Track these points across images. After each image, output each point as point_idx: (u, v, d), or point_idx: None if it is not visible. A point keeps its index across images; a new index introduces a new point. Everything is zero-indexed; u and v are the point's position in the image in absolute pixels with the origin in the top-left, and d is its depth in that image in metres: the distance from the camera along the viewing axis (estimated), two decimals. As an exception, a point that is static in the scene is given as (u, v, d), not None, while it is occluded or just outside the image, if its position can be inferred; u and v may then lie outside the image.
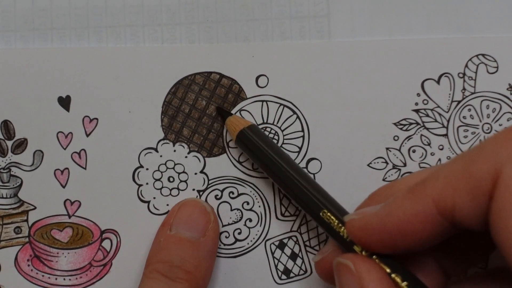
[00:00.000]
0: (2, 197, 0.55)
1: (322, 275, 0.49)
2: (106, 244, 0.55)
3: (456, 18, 0.55)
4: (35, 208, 0.55)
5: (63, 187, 0.55)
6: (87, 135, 0.55)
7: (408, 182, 0.43)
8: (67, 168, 0.55)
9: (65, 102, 0.55)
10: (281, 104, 0.55)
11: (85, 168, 0.55)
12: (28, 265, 0.55)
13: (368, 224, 0.42)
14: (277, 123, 0.55)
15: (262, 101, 0.55)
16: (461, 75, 0.54)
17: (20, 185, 0.55)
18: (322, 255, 0.48)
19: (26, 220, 0.55)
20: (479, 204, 0.37)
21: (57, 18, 0.55)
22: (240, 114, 0.55)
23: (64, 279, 0.55)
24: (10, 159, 0.55)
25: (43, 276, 0.55)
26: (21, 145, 0.55)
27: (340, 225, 0.46)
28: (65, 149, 0.55)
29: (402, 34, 0.55)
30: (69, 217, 0.55)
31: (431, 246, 0.41)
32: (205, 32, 0.55)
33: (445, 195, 0.38)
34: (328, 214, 0.47)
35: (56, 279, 0.55)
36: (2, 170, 0.55)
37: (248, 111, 0.55)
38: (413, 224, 0.39)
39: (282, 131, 0.55)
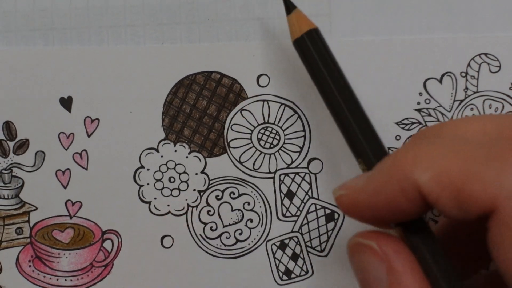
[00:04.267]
0: (4, 198, 0.55)
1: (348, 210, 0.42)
2: (107, 244, 0.55)
3: (458, 17, 0.54)
4: (36, 209, 0.55)
5: (65, 187, 0.55)
6: (89, 136, 0.55)
7: (454, 128, 0.40)
8: (68, 169, 0.55)
9: (66, 103, 0.55)
10: (282, 104, 0.54)
11: (86, 169, 0.55)
12: (30, 266, 0.55)
13: (357, 201, 0.39)
14: (278, 122, 0.54)
15: (263, 100, 0.54)
16: (463, 74, 0.54)
17: (22, 186, 0.55)
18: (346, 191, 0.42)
19: (28, 221, 0.55)
20: (465, 215, 0.35)
21: (58, 19, 0.55)
22: (241, 114, 0.55)
23: (66, 280, 0.55)
24: (12, 160, 0.55)
25: (44, 277, 0.55)
26: (22, 145, 0.55)
27: None
28: (66, 149, 0.55)
29: (403, 34, 0.54)
30: (71, 217, 0.55)
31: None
32: (206, 32, 0.55)
33: (432, 189, 0.36)
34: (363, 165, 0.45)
35: (57, 280, 0.55)
36: (3, 171, 0.55)
37: (249, 111, 0.55)
38: (400, 202, 0.37)
39: (283, 130, 0.54)
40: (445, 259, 0.39)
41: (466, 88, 0.54)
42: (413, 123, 0.54)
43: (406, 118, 0.54)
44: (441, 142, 0.38)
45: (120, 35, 0.55)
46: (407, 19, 0.54)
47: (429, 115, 0.54)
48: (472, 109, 0.54)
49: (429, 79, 0.54)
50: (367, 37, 0.54)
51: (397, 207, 0.38)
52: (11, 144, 0.55)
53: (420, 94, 0.54)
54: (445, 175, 0.35)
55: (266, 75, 0.54)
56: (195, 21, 0.55)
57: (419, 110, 0.54)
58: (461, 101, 0.54)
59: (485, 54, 0.54)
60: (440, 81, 0.54)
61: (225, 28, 0.55)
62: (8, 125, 0.55)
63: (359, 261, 0.40)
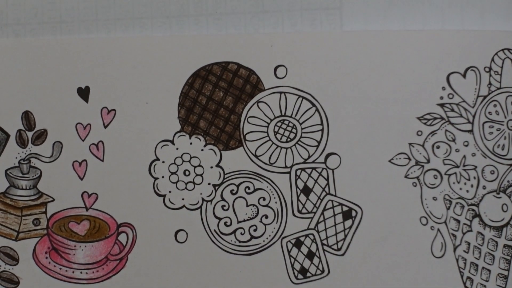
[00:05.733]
0: (22, 189, 0.55)
1: None
2: (122, 238, 0.54)
3: (471, 9, 0.53)
4: (53, 200, 0.55)
5: (81, 179, 0.55)
6: (105, 127, 0.54)
7: None
8: (85, 160, 0.55)
9: (84, 93, 0.54)
10: (299, 96, 0.53)
11: (102, 160, 0.54)
12: (46, 258, 0.55)
13: None
14: (296, 115, 0.53)
15: (281, 92, 0.53)
16: (487, 69, 0.52)
17: (39, 176, 0.55)
18: None
19: (45, 212, 0.55)
20: None
21: (65, 11, 0.55)
22: (258, 106, 0.54)
23: (81, 272, 0.55)
24: (30, 150, 0.55)
25: (60, 269, 0.55)
26: (41, 136, 0.55)
27: None
28: (83, 140, 0.55)
29: (417, 27, 0.53)
30: (87, 209, 0.55)
31: None
32: (214, 24, 0.54)
33: None
34: None
35: (73, 272, 0.55)
36: (22, 161, 0.55)
37: (266, 103, 0.54)
38: None
39: (301, 124, 0.53)
40: None
41: (490, 83, 0.52)
42: (435, 118, 0.53)
43: (428, 113, 0.53)
44: None
45: (128, 27, 0.55)
46: (420, 12, 0.53)
47: (452, 110, 0.52)
48: (495, 105, 0.52)
49: (452, 73, 0.53)
50: (380, 29, 0.54)
51: None
52: (29, 134, 0.55)
53: (443, 88, 0.53)
54: None
55: (283, 66, 0.53)
56: (203, 14, 0.54)
57: (442, 105, 0.53)
58: (485, 96, 0.53)
59: (508, 50, 0.53)
60: (464, 75, 0.52)
61: (234, 21, 0.54)
62: (27, 115, 0.55)
63: None
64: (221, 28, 0.54)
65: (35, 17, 0.56)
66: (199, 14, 0.54)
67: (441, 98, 0.53)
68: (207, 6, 0.54)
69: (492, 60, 0.52)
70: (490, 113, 0.52)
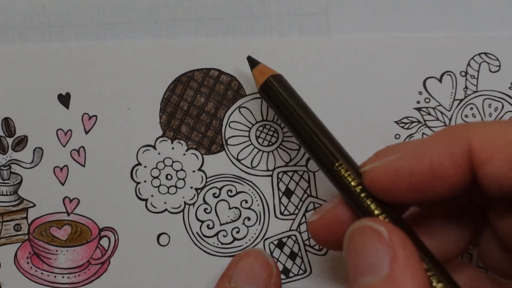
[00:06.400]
0: (2, 194, 0.55)
1: (319, 237, 0.44)
2: (104, 242, 0.54)
3: (457, 15, 0.54)
4: (34, 205, 0.55)
5: (62, 184, 0.55)
6: (86, 133, 0.55)
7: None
8: (66, 166, 0.55)
9: (64, 99, 0.55)
10: (280, 101, 0.54)
11: (84, 166, 0.55)
12: (28, 263, 0.55)
13: (396, 169, 0.38)
14: (277, 120, 0.54)
15: (262, 98, 0.54)
16: (463, 73, 0.53)
17: (20, 182, 0.55)
18: (321, 214, 0.44)
19: (26, 218, 0.55)
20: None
21: (55, 16, 0.55)
22: (239, 112, 0.54)
23: (63, 277, 0.55)
24: (11, 156, 0.55)
25: (42, 273, 0.55)
26: (21, 142, 0.55)
27: (356, 180, 0.42)
28: (64, 146, 0.55)
29: (402, 32, 0.54)
30: (68, 214, 0.55)
31: (450, 197, 0.38)
32: (203, 29, 0.55)
33: (484, 147, 0.36)
34: (343, 166, 0.43)
35: (55, 276, 0.55)
36: (2, 167, 0.55)
37: (247, 108, 0.54)
38: (445, 167, 0.37)
39: (282, 128, 0.54)
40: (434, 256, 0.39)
41: (466, 87, 0.54)
42: (412, 122, 0.53)
43: (405, 117, 0.54)
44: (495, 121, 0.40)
45: (117, 32, 0.55)
46: (405, 18, 0.54)
47: (429, 114, 0.53)
48: (471, 108, 0.53)
49: (429, 78, 0.54)
50: (365, 36, 0.54)
51: (440, 174, 0.37)
52: (10, 140, 0.55)
53: (420, 93, 0.54)
54: (500, 136, 0.36)
55: (264, 72, 0.54)
56: (192, 18, 0.55)
57: (418, 109, 0.54)
58: (461, 100, 0.54)
59: (485, 54, 0.54)
60: (440, 80, 0.53)
61: (222, 26, 0.55)
62: (7, 122, 0.55)
63: (360, 244, 0.37)
64: (210, 33, 0.55)
65: (24, 21, 0.55)
66: (188, 19, 0.54)
67: (418, 102, 0.54)
68: (196, 11, 0.55)
69: (468, 64, 0.53)
70: (466, 116, 0.53)
